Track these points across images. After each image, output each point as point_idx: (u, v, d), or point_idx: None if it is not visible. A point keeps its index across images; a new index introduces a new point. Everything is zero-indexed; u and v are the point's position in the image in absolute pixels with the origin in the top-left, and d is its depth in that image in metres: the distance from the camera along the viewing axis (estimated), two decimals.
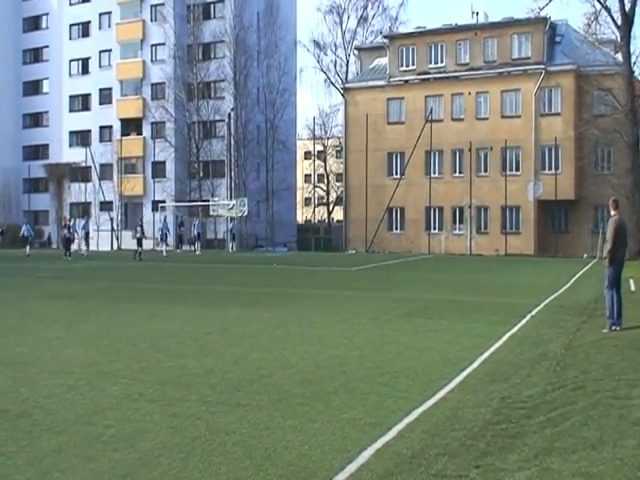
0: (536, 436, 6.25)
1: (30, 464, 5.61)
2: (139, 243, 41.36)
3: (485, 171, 46.80)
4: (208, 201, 53.08)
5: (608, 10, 40.20)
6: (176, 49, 57.75)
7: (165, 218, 49.40)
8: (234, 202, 50.23)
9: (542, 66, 45.07)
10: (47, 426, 6.66)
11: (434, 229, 48.04)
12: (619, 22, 39.76)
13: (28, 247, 44.04)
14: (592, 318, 13.86)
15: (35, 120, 66.03)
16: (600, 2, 40.18)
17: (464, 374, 8.91)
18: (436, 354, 10.31)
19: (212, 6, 59.00)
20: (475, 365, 9.47)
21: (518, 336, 11.99)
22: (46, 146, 64.90)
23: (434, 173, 47.98)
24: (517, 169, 45.95)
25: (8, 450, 5.95)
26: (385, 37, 53.48)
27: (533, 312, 14.92)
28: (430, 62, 48.59)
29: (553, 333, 12.18)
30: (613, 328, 12.17)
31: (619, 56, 42.58)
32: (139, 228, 43.15)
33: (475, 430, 6.46)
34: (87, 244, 44.13)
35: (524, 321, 13.69)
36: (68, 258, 39.03)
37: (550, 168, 45.07)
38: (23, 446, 6.06)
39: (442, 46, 48.24)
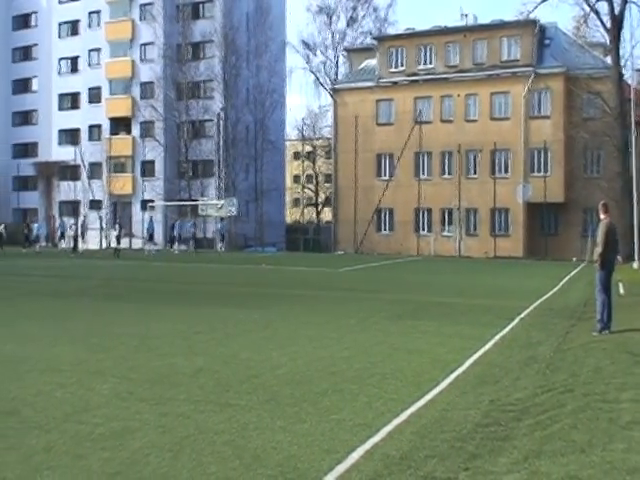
0: (525, 439, 6.26)
1: (20, 462, 5.59)
2: (118, 241, 42.71)
3: (474, 173, 46.90)
4: (197, 201, 53.00)
5: (597, 13, 40.39)
6: (165, 48, 57.61)
7: (151, 218, 49.36)
8: (223, 202, 50.14)
9: (531, 69, 45.20)
10: (36, 424, 6.63)
11: (423, 231, 48.08)
12: (608, 25, 39.94)
13: (38, 245, 46.55)
14: (581, 321, 13.91)
15: (24, 118, 65.69)
16: (589, 5, 40.37)
17: (453, 376, 8.92)
18: (425, 356, 10.30)
19: (201, 6, 58.85)
20: (464, 367, 9.47)
21: (508, 338, 12.01)
22: (35, 144, 64.61)
23: (423, 174, 48.05)
24: (506, 171, 46.05)
25: None
26: (374, 38, 53.55)
27: (522, 314, 14.96)
28: (419, 64, 48.64)
29: (542, 336, 12.20)
30: (603, 332, 12.20)
31: (608, 59, 42.79)
32: (117, 226, 44.74)
33: (464, 432, 6.46)
34: (79, 243, 45.53)
35: (513, 323, 13.72)
36: (71, 255, 41.30)
37: (540, 171, 45.20)
38: (12, 444, 6.03)
39: (431, 48, 48.31)
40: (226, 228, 52.80)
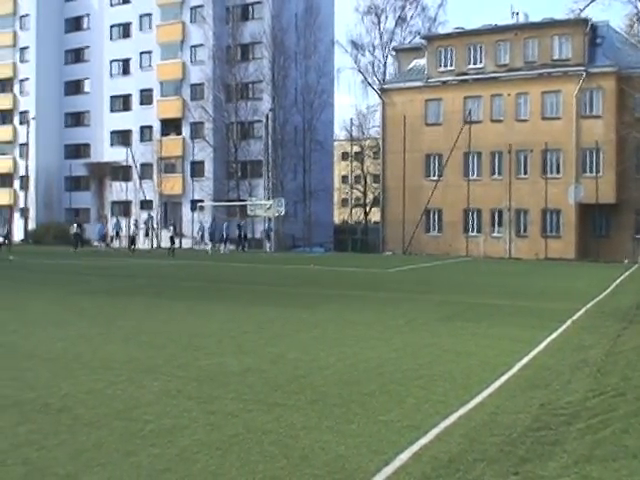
0: (576, 443, 6.16)
1: (71, 458, 5.68)
2: (172, 241, 43.96)
3: (525, 173, 46.33)
4: (246, 201, 53.41)
5: None
6: (215, 50, 58.17)
7: (214, 218, 50.34)
8: (271, 202, 50.48)
9: (583, 68, 44.48)
10: (87, 421, 6.74)
11: (472, 232, 47.66)
12: None
13: (104, 244, 49.76)
14: (633, 324, 13.65)
15: (77, 119, 66.88)
16: None
17: (503, 379, 8.82)
18: (474, 358, 10.20)
19: (251, 7, 59.25)
20: (514, 370, 9.36)
21: (558, 341, 11.83)
22: (87, 145, 65.75)
23: (472, 175, 47.63)
24: (558, 172, 45.41)
25: (49, 444, 6.03)
26: (423, 38, 53.21)
27: (574, 317, 14.73)
28: (469, 63, 48.24)
29: (594, 339, 12.00)
30: None
31: None
32: (172, 227, 46.41)
33: (514, 436, 6.38)
34: (134, 242, 47.21)
35: (565, 326, 13.51)
36: (129, 254, 43.22)
37: (591, 171, 44.46)
38: (64, 440, 6.13)
39: (481, 47, 47.87)
40: (274, 228, 53.07)
